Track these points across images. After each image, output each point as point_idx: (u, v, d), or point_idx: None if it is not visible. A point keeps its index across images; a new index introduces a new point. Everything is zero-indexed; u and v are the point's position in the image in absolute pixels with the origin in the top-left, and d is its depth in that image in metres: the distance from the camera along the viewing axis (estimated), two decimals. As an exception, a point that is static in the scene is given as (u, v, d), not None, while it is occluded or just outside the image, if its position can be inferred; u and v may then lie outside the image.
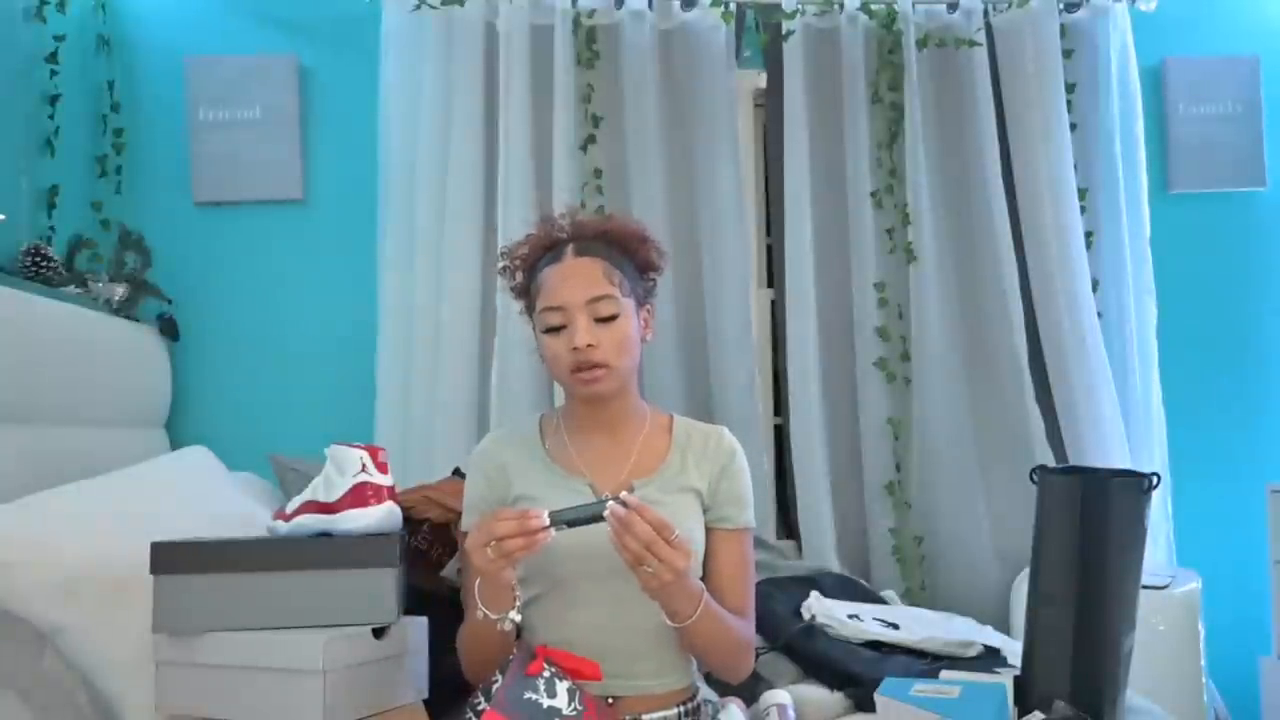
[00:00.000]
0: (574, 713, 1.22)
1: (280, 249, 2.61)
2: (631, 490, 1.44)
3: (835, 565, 2.45)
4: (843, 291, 2.61)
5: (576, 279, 1.43)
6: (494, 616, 1.28)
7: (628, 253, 1.50)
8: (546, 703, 1.21)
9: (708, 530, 1.49)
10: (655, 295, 1.56)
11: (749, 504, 1.51)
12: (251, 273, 2.59)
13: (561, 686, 1.25)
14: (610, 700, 1.38)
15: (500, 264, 1.55)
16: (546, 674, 1.24)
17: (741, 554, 1.50)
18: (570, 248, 1.46)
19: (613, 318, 1.42)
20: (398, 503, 1.45)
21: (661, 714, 1.42)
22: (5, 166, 2.22)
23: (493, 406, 2.45)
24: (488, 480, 1.49)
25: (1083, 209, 2.59)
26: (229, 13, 2.61)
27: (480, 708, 1.23)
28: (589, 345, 1.40)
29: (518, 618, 1.30)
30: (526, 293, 1.51)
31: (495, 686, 1.25)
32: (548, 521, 1.22)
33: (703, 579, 1.48)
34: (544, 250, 1.49)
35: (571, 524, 1.24)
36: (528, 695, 1.21)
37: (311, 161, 2.62)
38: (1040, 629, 1.38)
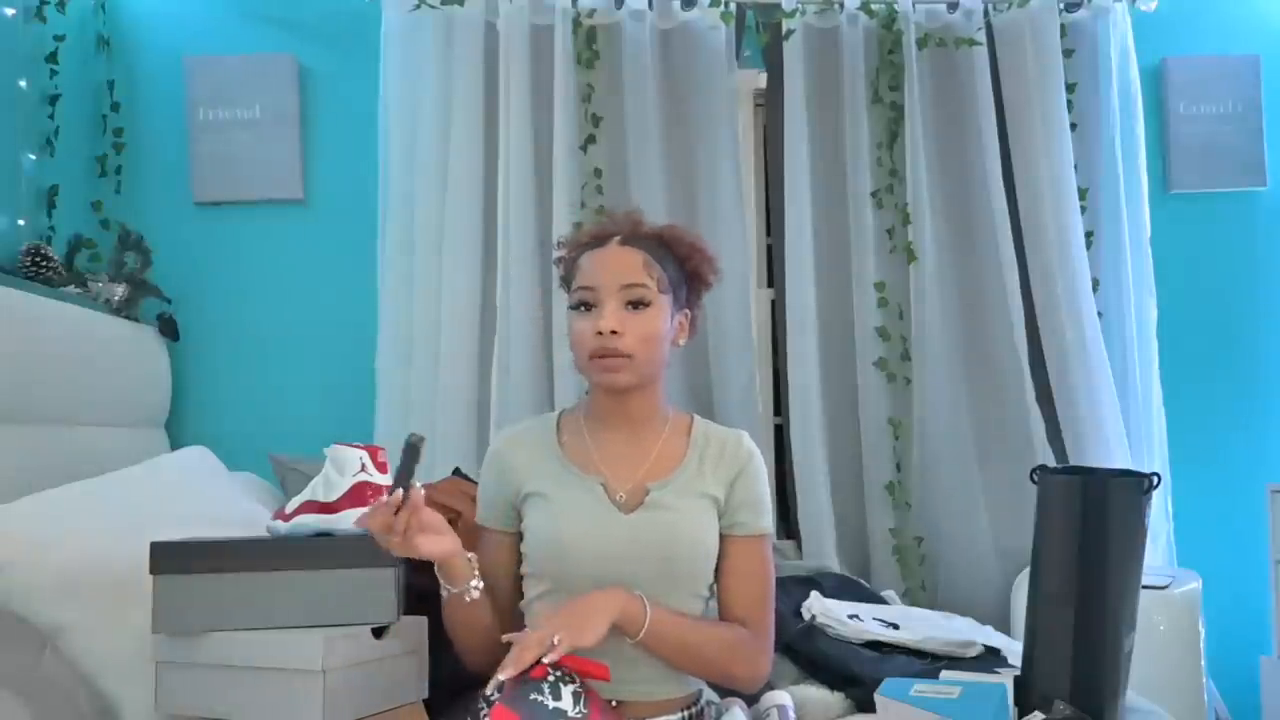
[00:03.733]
0: (579, 715, 1.22)
1: (280, 249, 2.61)
2: (647, 493, 1.44)
3: (835, 565, 2.45)
4: (843, 291, 2.61)
5: (615, 263, 1.43)
6: (456, 590, 1.32)
7: (678, 258, 1.49)
8: (551, 704, 1.21)
9: (723, 536, 1.47)
10: (699, 306, 1.55)
11: (765, 510, 1.49)
12: (251, 273, 2.59)
13: (567, 690, 1.24)
14: (614, 704, 1.38)
15: (555, 254, 1.58)
16: (551, 677, 1.24)
17: (756, 560, 1.47)
18: (617, 237, 1.47)
19: (644, 305, 1.42)
20: (397, 502, 1.45)
21: (665, 718, 1.42)
22: (5, 166, 2.22)
23: (493, 406, 2.45)
24: (498, 478, 1.48)
25: (1083, 209, 2.59)
26: (228, 12, 2.61)
27: (493, 698, 1.23)
28: (613, 331, 1.39)
29: (478, 585, 1.34)
30: (568, 282, 1.51)
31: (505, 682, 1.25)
32: (386, 495, 1.26)
33: (714, 585, 1.48)
34: (594, 240, 1.49)
35: (403, 481, 1.25)
36: (533, 696, 1.20)
37: (311, 161, 2.62)
38: (1040, 629, 1.38)
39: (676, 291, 1.47)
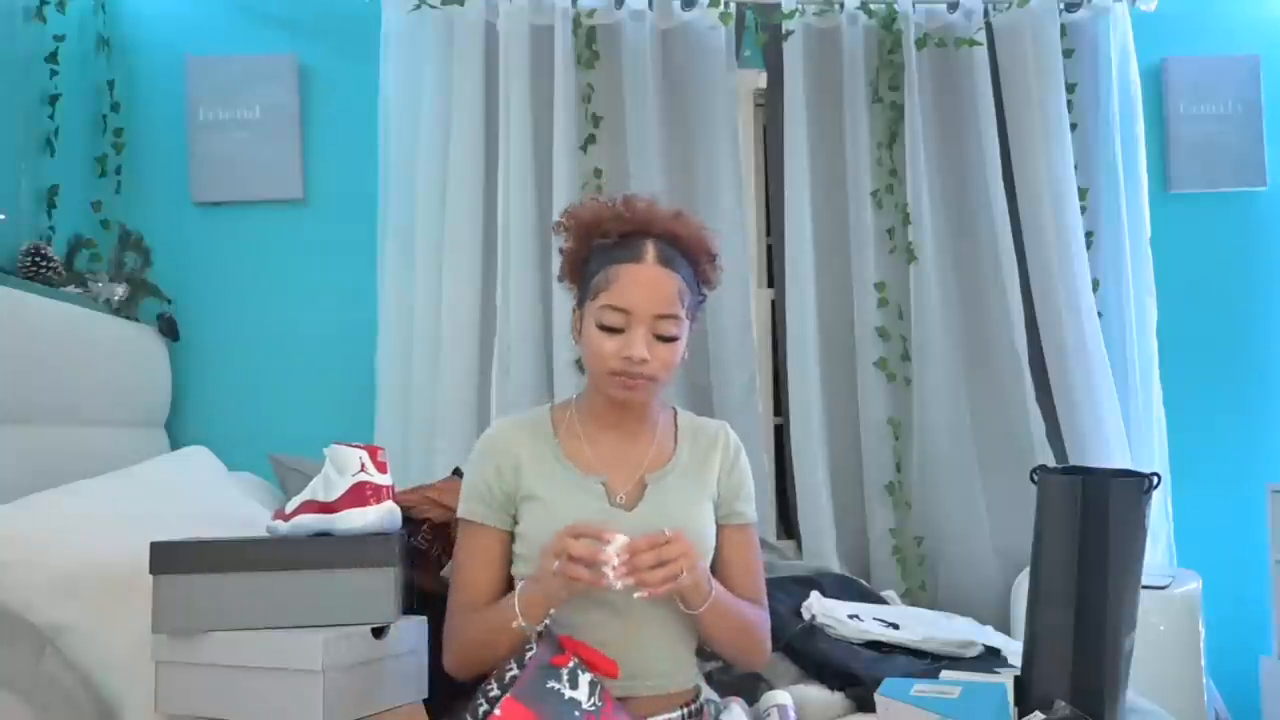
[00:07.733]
0: (593, 707, 1.22)
1: (280, 249, 2.60)
2: (645, 486, 1.45)
3: (835, 565, 2.45)
4: (843, 291, 2.61)
5: (652, 289, 1.40)
6: (522, 625, 1.32)
7: (695, 265, 1.47)
8: (568, 694, 1.21)
9: (719, 526, 1.51)
10: (702, 312, 1.54)
11: (753, 497, 1.55)
12: (251, 273, 2.59)
13: (584, 679, 1.24)
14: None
15: (561, 226, 1.49)
16: (571, 665, 1.24)
17: (752, 546, 1.53)
18: (651, 252, 1.41)
19: (671, 339, 1.41)
20: (397, 502, 1.45)
21: (666, 716, 1.43)
22: (5, 166, 2.21)
23: (493, 407, 2.45)
24: (497, 470, 1.46)
25: (1083, 209, 2.59)
26: (229, 12, 2.61)
27: (493, 694, 1.22)
28: (642, 360, 1.39)
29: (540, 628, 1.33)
30: (579, 268, 1.48)
31: (510, 674, 1.25)
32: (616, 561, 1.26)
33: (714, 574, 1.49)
34: (613, 227, 1.43)
35: None
36: (550, 684, 1.20)
37: (311, 161, 2.62)
38: (1040, 629, 1.38)
39: (693, 310, 1.47)
